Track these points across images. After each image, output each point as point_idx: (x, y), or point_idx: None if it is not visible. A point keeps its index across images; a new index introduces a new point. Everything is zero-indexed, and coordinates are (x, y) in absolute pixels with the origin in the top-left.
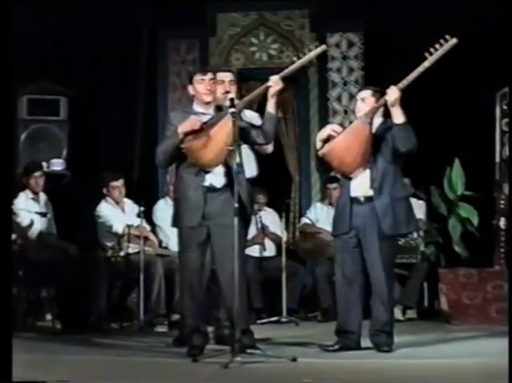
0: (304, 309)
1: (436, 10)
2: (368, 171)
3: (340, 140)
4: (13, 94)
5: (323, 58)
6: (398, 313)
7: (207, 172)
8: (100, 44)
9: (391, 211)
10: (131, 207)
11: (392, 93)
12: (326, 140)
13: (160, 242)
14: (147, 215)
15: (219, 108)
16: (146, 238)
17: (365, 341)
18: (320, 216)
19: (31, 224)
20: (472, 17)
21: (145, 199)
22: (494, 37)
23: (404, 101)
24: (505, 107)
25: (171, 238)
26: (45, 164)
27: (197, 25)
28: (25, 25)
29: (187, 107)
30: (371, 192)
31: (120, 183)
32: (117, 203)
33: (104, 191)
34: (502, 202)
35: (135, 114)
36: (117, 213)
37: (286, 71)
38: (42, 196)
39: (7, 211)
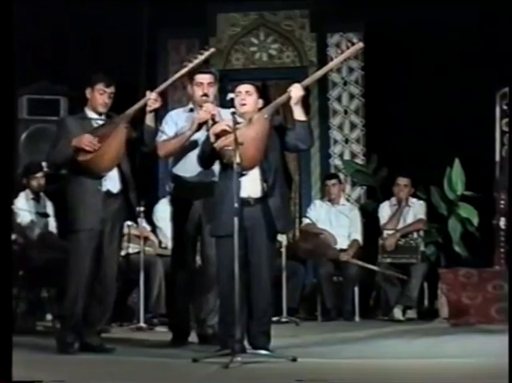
0: (304, 309)
1: (436, 10)
2: (257, 171)
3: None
4: (13, 94)
5: (323, 58)
6: (398, 313)
7: (103, 177)
8: (100, 44)
9: (283, 209)
10: None
11: (296, 91)
12: (219, 135)
13: (160, 243)
14: (147, 215)
15: (109, 115)
16: (146, 239)
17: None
18: (320, 214)
19: (31, 224)
20: (472, 17)
21: (145, 199)
22: (494, 37)
23: (405, 101)
24: (505, 107)
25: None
26: (45, 164)
27: (197, 25)
28: (25, 25)
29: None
30: (260, 193)
31: None
32: None
33: None
34: (502, 202)
35: None
36: None
37: (176, 75)
38: (42, 196)
39: (7, 211)
